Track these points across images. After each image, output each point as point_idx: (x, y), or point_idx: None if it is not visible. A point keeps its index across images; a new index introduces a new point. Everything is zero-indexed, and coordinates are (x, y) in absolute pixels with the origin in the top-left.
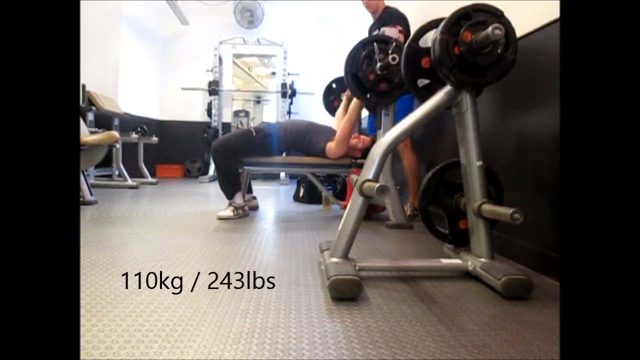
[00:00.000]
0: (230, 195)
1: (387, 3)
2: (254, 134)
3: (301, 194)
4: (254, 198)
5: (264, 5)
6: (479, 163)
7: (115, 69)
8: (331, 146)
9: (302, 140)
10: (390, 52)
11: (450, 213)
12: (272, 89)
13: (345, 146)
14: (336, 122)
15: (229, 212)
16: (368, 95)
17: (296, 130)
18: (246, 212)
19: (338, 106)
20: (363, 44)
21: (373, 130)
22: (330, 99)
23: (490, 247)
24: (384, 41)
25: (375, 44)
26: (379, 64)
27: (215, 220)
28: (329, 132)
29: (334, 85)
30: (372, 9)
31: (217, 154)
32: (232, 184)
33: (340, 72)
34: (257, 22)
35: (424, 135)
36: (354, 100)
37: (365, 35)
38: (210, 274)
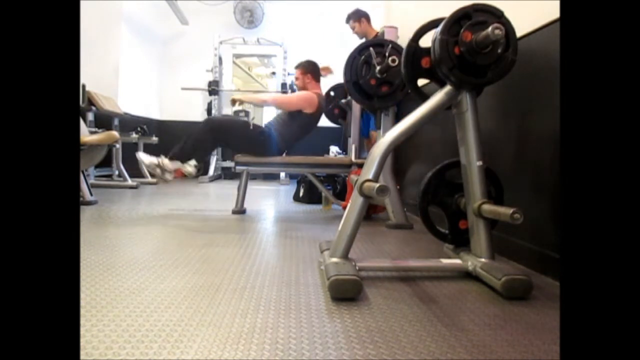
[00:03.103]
0: (180, 157)
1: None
2: (251, 127)
3: (301, 194)
4: (196, 167)
5: (264, 5)
6: (479, 163)
7: (115, 69)
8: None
9: (284, 116)
10: (387, 54)
11: (450, 213)
12: (272, 89)
13: (277, 102)
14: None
15: (168, 165)
16: (372, 100)
17: (279, 116)
18: (165, 177)
19: (339, 114)
20: (359, 50)
21: (370, 129)
22: (330, 107)
23: (490, 247)
24: (380, 45)
25: (371, 48)
26: (378, 68)
27: (216, 219)
28: (302, 99)
29: (332, 93)
30: (360, 36)
31: (207, 126)
32: (192, 152)
33: (339, 74)
34: (257, 22)
35: (423, 134)
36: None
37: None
38: (210, 273)
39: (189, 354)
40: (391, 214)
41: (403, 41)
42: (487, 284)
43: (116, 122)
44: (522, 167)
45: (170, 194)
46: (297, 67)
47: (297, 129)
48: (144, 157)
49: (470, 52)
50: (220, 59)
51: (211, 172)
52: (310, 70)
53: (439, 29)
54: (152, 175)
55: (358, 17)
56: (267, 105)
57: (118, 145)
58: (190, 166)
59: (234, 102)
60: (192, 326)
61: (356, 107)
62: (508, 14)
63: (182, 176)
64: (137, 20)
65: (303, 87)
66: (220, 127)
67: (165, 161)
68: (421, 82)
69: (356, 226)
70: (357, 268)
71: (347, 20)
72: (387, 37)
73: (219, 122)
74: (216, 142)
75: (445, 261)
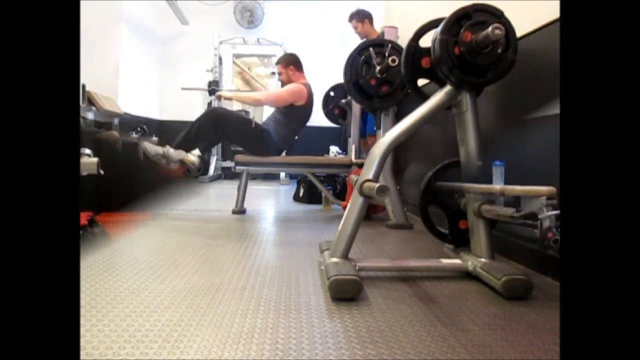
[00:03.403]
0: (184, 146)
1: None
2: (253, 125)
3: (301, 194)
4: (200, 157)
5: (264, 5)
6: (479, 163)
7: (115, 69)
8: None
9: (278, 116)
10: (387, 54)
11: (450, 213)
12: (272, 89)
13: (270, 99)
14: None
15: (173, 155)
16: (372, 100)
17: (273, 116)
18: (170, 167)
19: (339, 114)
20: (359, 50)
21: (368, 131)
22: (330, 107)
23: (490, 247)
24: (380, 45)
25: (371, 48)
26: (378, 68)
27: (216, 220)
28: (292, 93)
29: (331, 94)
30: (361, 36)
31: (210, 114)
32: (195, 141)
33: (339, 73)
34: (257, 22)
35: (423, 134)
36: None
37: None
38: (210, 273)
39: (189, 354)
40: (391, 214)
41: (403, 41)
42: (487, 284)
43: (116, 122)
44: (522, 166)
45: (170, 194)
46: (277, 63)
47: (294, 126)
48: (149, 148)
49: (470, 52)
50: (220, 59)
51: (211, 172)
52: (292, 62)
53: (439, 29)
54: (157, 165)
55: (361, 18)
56: (260, 105)
57: (118, 146)
58: (193, 155)
59: (219, 97)
60: (192, 326)
61: (356, 107)
62: (508, 14)
63: (183, 175)
64: (137, 20)
65: (288, 81)
66: (222, 117)
67: (170, 151)
68: (421, 82)
69: (356, 226)
70: (357, 268)
71: (350, 19)
72: (387, 37)
73: (222, 112)
74: (217, 133)
75: (445, 261)
